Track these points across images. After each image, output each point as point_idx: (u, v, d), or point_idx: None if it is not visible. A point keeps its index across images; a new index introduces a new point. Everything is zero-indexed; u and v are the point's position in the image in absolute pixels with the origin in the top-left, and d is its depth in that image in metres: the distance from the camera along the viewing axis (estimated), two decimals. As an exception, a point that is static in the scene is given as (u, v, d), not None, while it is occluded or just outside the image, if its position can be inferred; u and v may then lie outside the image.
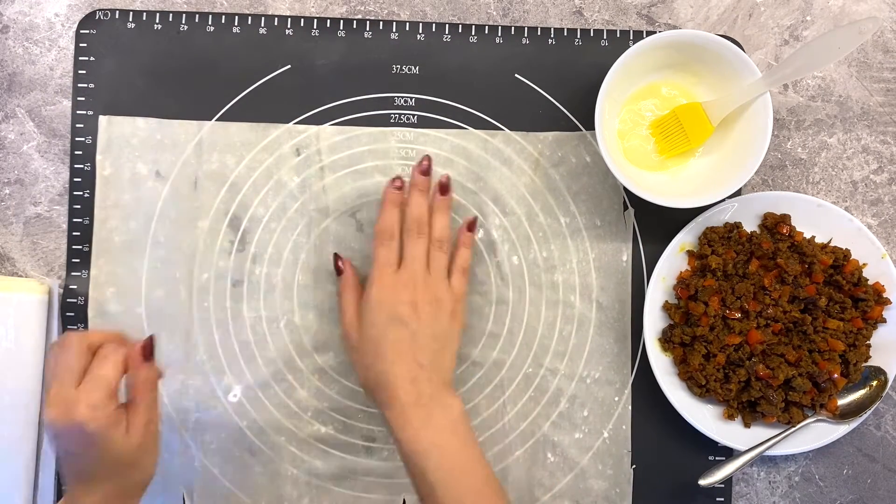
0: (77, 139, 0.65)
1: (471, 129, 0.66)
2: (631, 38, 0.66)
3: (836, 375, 0.60)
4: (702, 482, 0.60)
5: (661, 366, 0.63)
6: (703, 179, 0.63)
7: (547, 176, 0.65)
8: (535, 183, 0.65)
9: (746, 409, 0.62)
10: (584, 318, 0.65)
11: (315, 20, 0.66)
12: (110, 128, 0.65)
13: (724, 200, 0.62)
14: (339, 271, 0.62)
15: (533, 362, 0.65)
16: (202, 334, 0.64)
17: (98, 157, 0.65)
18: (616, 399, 0.65)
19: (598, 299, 0.65)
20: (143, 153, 0.65)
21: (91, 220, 0.65)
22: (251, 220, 0.65)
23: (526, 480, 0.64)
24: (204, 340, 0.64)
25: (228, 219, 0.65)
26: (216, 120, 0.65)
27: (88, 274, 0.64)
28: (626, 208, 0.65)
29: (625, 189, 0.65)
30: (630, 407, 0.65)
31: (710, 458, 0.65)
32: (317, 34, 0.66)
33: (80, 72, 0.66)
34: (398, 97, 0.66)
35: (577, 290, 0.65)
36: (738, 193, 0.64)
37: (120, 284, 0.64)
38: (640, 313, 0.64)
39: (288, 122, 0.65)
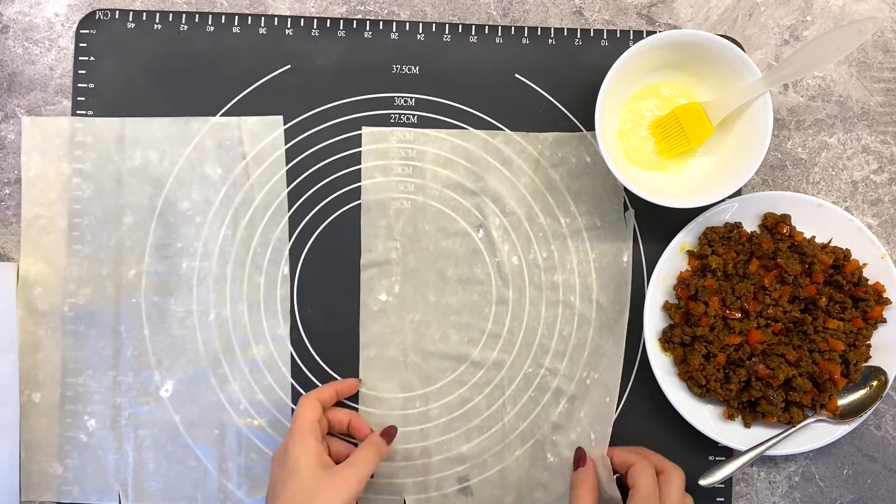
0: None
1: (471, 129, 0.66)
2: (631, 38, 0.66)
3: (836, 375, 0.60)
4: (702, 482, 0.60)
5: (661, 366, 0.63)
6: (703, 179, 0.63)
7: (547, 176, 0.65)
8: (536, 183, 0.65)
9: (746, 409, 0.62)
10: (584, 319, 0.65)
11: (315, 20, 0.66)
12: (33, 128, 0.65)
13: (724, 200, 0.62)
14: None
15: (533, 362, 0.65)
16: (132, 330, 0.65)
17: (23, 159, 0.65)
18: (608, 401, 0.64)
19: (598, 300, 0.65)
20: (67, 152, 0.65)
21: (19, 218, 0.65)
22: (177, 215, 0.65)
23: (526, 481, 0.64)
24: (134, 336, 0.65)
25: (157, 214, 0.65)
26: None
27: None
28: (626, 209, 0.65)
29: (625, 189, 0.65)
30: (630, 408, 0.65)
31: (710, 458, 0.65)
32: (317, 34, 0.66)
33: (80, 72, 0.66)
34: (398, 97, 0.66)
35: (577, 290, 0.65)
36: (738, 193, 0.64)
37: (47, 284, 0.65)
38: (640, 313, 0.64)
39: (288, 122, 0.65)
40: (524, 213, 0.65)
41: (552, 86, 0.66)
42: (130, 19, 0.66)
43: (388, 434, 0.60)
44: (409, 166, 0.65)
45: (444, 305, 0.65)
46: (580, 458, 0.60)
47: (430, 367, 0.65)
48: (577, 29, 0.67)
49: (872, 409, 0.62)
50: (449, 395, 0.65)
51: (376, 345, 0.65)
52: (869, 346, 0.62)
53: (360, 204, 0.65)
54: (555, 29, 0.67)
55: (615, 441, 0.65)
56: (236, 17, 0.66)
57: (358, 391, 0.65)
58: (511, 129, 0.66)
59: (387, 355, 0.65)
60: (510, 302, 0.65)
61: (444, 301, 0.65)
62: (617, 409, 0.65)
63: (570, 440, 0.64)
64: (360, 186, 0.65)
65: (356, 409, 0.65)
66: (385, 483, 0.64)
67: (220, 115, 0.65)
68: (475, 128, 0.66)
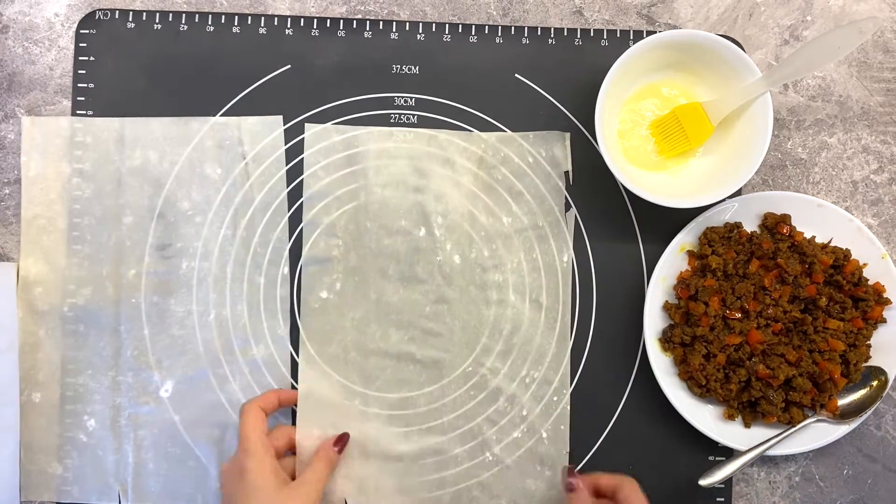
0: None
1: (475, 130, 0.66)
2: (631, 38, 0.66)
3: (836, 375, 0.60)
4: (702, 482, 0.60)
5: (661, 366, 0.63)
6: (703, 179, 0.63)
7: (490, 176, 0.65)
8: (478, 183, 0.65)
9: (746, 409, 0.62)
10: (525, 319, 0.65)
11: (315, 20, 0.66)
12: (33, 128, 0.65)
13: (724, 200, 0.62)
14: None
15: (473, 361, 0.65)
16: (132, 330, 0.65)
17: (23, 159, 0.65)
18: (555, 399, 0.65)
19: (539, 299, 0.65)
20: (67, 152, 0.65)
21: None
22: (177, 215, 0.65)
23: (464, 478, 0.64)
24: (134, 336, 0.65)
25: (157, 214, 0.65)
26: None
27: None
28: (568, 209, 0.65)
29: (624, 189, 0.65)
30: (569, 407, 0.65)
31: (710, 458, 0.65)
32: (317, 34, 0.66)
33: (80, 72, 0.66)
34: (398, 97, 0.66)
35: (518, 290, 0.65)
36: (738, 193, 0.64)
37: (47, 284, 0.65)
38: (640, 313, 0.64)
39: (288, 122, 0.65)
40: (466, 212, 0.65)
41: (552, 86, 0.66)
42: (130, 19, 0.66)
43: (341, 441, 0.61)
44: (352, 163, 0.65)
45: (385, 304, 0.65)
46: (571, 484, 0.58)
47: (370, 366, 0.65)
48: (577, 29, 0.67)
49: (872, 409, 0.62)
50: (388, 394, 0.65)
51: (316, 342, 0.65)
52: (869, 346, 0.62)
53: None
54: (555, 29, 0.67)
55: (614, 441, 0.65)
56: (236, 17, 0.66)
57: (296, 389, 0.65)
58: (511, 130, 0.66)
59: (326, 353, 0.65)
60: (451, 301, 0.65)
61: (385, 299, 0.65)
62: (617, 409, 0.65)
63: (513, 438, 0.64)
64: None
65: (292, 410, 0.65)
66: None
67: (220, 115, 0.65)
68: (475, 128, 0.66)
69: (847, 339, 0.61)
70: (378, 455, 0.64)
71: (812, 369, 0.60)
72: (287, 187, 0.65)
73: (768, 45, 0.67)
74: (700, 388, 0.62)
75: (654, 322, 0.63)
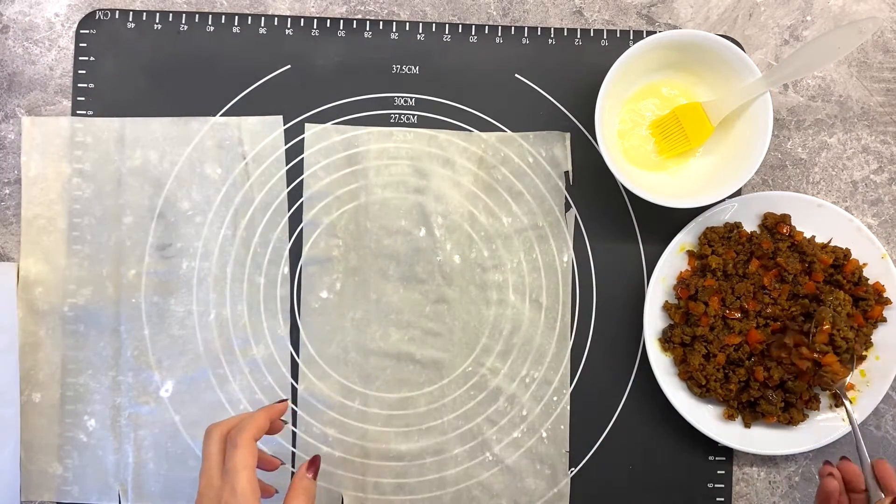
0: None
1: (475, 130, 0.66)
2: (631, 38, 0.67)
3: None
4: None
5: (661, 366, 0.63)
6: (703, 179, 0.63)
7: (490, 176, 0.65)
8: (478, 183, 0.65)
9: (746, 409, 0.62)
10: (525, 319, 0.65)
11: (315, 20, 0.66)
12: (33, 128, 0.65)
13: (724, 200, 0.62)
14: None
15: (473, 361, 0.65)
16: (132, 330, 0.65)
17: (23, 159, 0.65)
18: (555, 399, 0.65)
19: (539, 299, 0.65)
20: (67, 152, 0.65)
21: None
22: (177, 215, 0.65)
23: (464, 478, 0.64)
24: (134, 336, 0.65)
25: (157, 214, 0.65)
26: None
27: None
28: (567, 208, 0.65)
29: (624, 189, 0.65)
30: (569, 407, 0.65)
31: (710, 458, 0.65)
32: (317, 34, 0.66)
33: (80, 72, 0.66)
34: (398, 97, 0.66)
35: (518, 290, 0.65)
36: (738, 193, 0.64)
37: (47, 284, 0.65)
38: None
39: (288, 122, 0.65)
40: (466, 212, 0.65)
41: (552, 86, 0.66)
42: (130, 19, 0.66)
43: (314, 466, 0.54)
44: (352, 163, 0.65)
45: (385, 304, 0.65)
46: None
47: (370, 366, 0.65)
48: (577, 29, 0.67)
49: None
50: (388, 394, 0.65)
51: (316, 342, 0.65)
52: (870, 344, 0.62)
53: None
54: (555, 29, 0.67)
55: (614, 441, 0.65)
56: (236, 17, 0.66)
57: (297, 389, 0.65)
58: (511, 130, 0.66)
59: (326, 353, 0.65)
60: (451, 301, 0.65)
61: (385, 299, 0.65)
62: (617, 409, 0.65)
63: (513, 438, 0.64)
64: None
65: (293, 410, 0.65)
66: (322, 479, 0.64)
67: (220, 115, 0.65)
68: (476, 128, 0.66)
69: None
70: (378, 455, 0.64)
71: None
72: (287, 187, 0.65)
73: (768, 45, 0.67)
74: (700, 388, 0.62)
75: (654, 322, 0.63)
